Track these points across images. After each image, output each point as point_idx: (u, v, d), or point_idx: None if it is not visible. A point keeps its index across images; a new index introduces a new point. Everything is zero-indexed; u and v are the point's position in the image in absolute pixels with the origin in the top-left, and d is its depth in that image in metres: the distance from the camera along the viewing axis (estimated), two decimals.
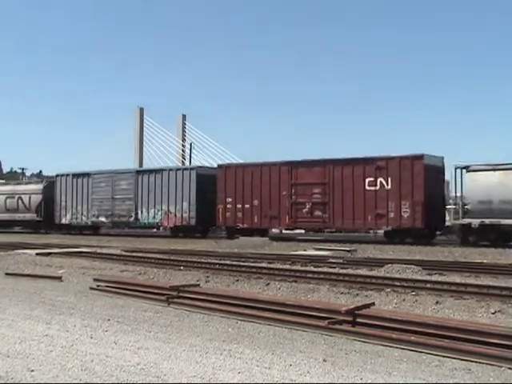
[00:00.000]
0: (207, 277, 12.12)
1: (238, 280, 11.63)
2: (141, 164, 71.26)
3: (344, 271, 13.18)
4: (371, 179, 24.62)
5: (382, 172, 24.46)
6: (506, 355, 5.60)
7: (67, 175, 36.10)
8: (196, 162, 65.66)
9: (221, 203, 28.53)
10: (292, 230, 29.88)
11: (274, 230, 30.42)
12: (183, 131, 71.93)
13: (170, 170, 32.09)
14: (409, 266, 13.31)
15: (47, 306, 9.11)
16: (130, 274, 13.42)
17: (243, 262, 16.00)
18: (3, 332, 7.01)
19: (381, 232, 27.01)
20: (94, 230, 35.78)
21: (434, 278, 11.97)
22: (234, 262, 15.50)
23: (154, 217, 31.71)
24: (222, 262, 15.59)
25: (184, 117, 73.44)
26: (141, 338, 6.73)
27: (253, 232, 27.72)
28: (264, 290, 10.69)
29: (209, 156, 65.79)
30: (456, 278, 11.81)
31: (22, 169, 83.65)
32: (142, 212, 32.19)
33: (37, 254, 17.97)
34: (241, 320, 7.83)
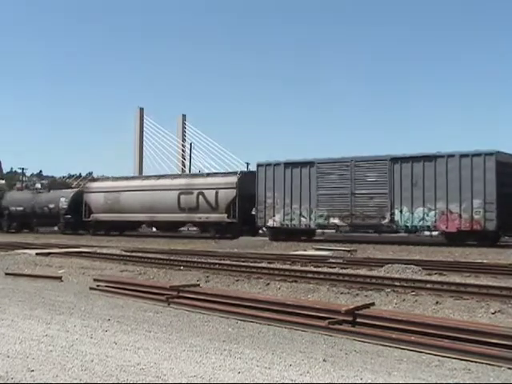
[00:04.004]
0: (207, 277, 12.12)
1: (238, 280, 11.63)
2: (141, 164, 71.40)
3: (344, 271, 13.17)
4: None
5: None
6: (506, 355, 5.60)
7: (276, 164, 27.44)
8: (196, 162, 65.78)
9: None
10: None
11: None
12: (183, 131, 72.02)
13: (450, 155, 23.38)
14: (409, 265, 13.31)
15: (47, 306, 9.11)
16: (130, 273, 13.42)
17: (243, 262, 16.00)
18: (3, 332, 7.01)
19: None
20: (309, 234, 27.96)
21: (434, 277, 11.97)
22: (234, 262, 15.49)
23: (423, 218, 23.77)
24: (222, 262, 15.59)
25: (184, 117, 73.62)
26: (141, 337, 6.73)
27: None
28: (264, 290, 10.69)
29: (209, 156, 65.94)
30: (456, 278, 11.81)
31: (22, 169, 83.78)
32: (401, 212, 24.25)
33: (37, 254, 17.97)
34: (241, 320, 7.83)
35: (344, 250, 20.16)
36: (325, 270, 13.82)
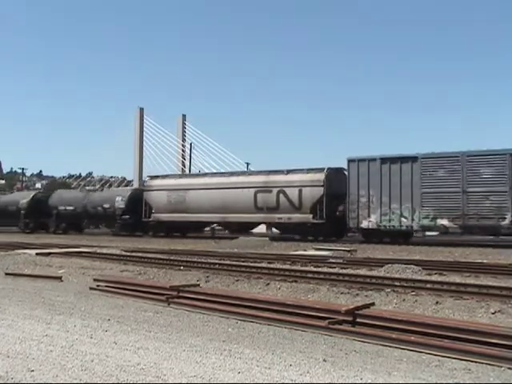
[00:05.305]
0: (207, 277, 12.12)
1: (238, 280, 11.63)
2: (141, 164, 71.41)
3: (344, 271, 13.17)
4: None
5: None
6: (506, 355, 5.60)
7: (371, 160, 24.98)
8: (196, 163, 65.77)
9: None
10: None
11: None
12: (183, 131, 72.05)
13: None
14: (409, 266, 13.31)
15: (47, 306, 9.11)
16: (130, 273, 13.42)
17: (243, 262, 15.99)
18: (3, 332, 7.01)
19: None
20: (406, 236, 25.10)
21: (434, 277, 11.97)
22: (234, 262, 15.49)
23: None
24: (222, 262, 15.58)
25: (184, 117, 73.67)
26: (141, 337, 6.73)
27: None
28: (264, 290, 10.69)
29: (209, 156, 65.97)
30: (456, 278, 11.80)
31: (22, 169, 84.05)
32: None
33: (37, 253, 17.97)
34: (241, 320, 7.83)
35: (344, 250, 20.15)
36: (325, 270, 13.81)
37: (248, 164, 62.78)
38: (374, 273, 12.96)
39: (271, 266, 14.46)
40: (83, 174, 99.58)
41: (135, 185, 66.98)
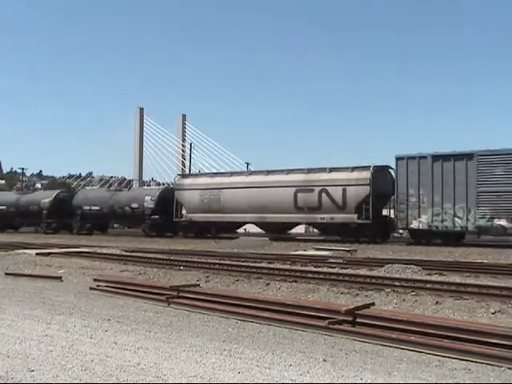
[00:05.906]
0: (207, 277, 12.12)
1: (238, 280, 11.63)
2: (141, 164, 71.48)
3: (344, 271, 13.18)
4: None
5: None
6: (506, 355, 5.60)
7: (421, 157, 23.87)
8: (196, 162, 65.84)
9: None
10: None
11: None
12: (183, 131, 72.19)
13: None
14: (409, 266, 13.32)
15: (47, 306, 9.11)
16: (129, 274, 13.42)
17: (243, 262, 16.00)
18: (3, 332, 7.00)
19: None
20: (458, 237, 24.09)
21: (434, 277, 11.97)
22: (234, 262, 15.49)
23: None
24: (222, 262, 15.59)
25: (184, 117, 73.82)
26: (141, 338, 6.73)
27: None
28: (264, 290, 10.69)
29: (209, 156, 66.08)
30: (456, 278, 11.81)
31: (22, 169, 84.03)
32: None
33: (37, 253, 17.98)
34: (241, 320, 7.83)
35: (344, 250, 20.16)
36: (325, 270, 13.82)
37: (248, 164, 62.87)
38: (374, 273, 12.96)
39: (271, 266, 14.47)
40: (83, 174, 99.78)
41: (135, 185, 67.04)
